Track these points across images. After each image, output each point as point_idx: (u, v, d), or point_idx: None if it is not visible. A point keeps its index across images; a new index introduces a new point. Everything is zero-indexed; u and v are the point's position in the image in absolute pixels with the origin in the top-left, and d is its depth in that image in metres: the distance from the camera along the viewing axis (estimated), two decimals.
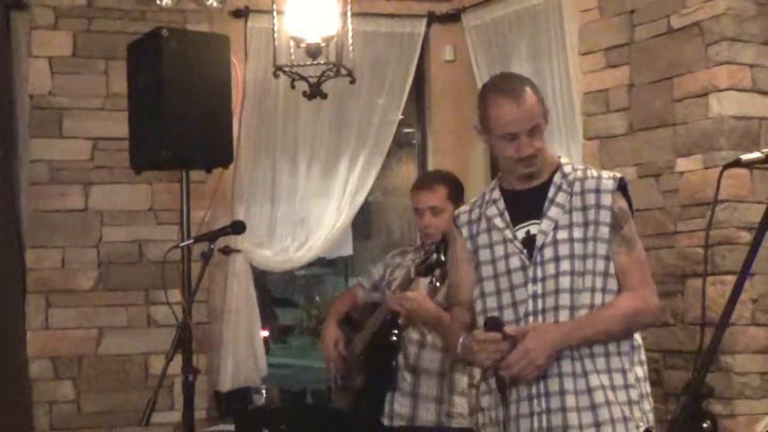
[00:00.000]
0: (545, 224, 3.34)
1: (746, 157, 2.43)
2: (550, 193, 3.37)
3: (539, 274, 3.31)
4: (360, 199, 6.38)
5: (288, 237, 6.26)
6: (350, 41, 5.23)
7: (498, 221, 3.43)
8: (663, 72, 5.01)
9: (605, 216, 3.30)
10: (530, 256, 3.33)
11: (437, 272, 4.16)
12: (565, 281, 3.28)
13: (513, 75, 3.71)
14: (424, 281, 4.27)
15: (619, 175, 3.41)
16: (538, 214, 3.36)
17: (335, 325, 4.72)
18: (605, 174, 3.40)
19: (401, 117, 6.52)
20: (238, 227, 4.61)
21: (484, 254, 3.44)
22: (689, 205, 4.92)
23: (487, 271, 3.42)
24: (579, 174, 3.40)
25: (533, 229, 3.36)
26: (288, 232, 6.26)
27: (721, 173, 2.43)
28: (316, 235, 6.29)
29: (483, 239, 3.45)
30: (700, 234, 4.80)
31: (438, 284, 4.20)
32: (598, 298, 3.27)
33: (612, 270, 3.29)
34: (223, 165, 5.30)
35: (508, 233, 3.40)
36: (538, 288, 3.30)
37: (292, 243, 6.27)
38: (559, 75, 5.75)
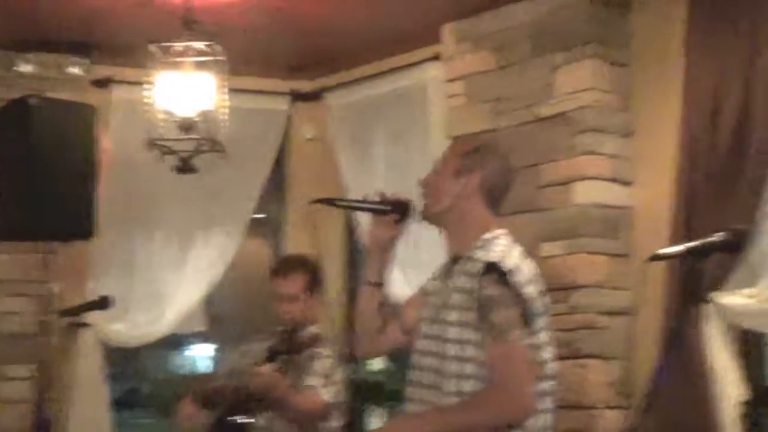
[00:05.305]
0: (439, 299, 3.36)
1: (668, 250, 2.51)
2: (456, 267, 3.35)
3: (426, 348, 3.36)
4: (216, 274, 6.33)
5: (142, 311, 6.14)
6: (224, 116, 5.22)
7: (434, 285, 3.48)
8: (529, 159, 5.13)
9: (471, 302, 3.22)
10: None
11: (283, 358, 4.17)
12: (438, 363, 3.29)
13: None
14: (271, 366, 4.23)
15: (494, 260, 3.24)
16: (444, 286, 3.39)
17: (191, 402, 4.58)
18: (485, 257, 3.27)
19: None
20: (106, 302, 4.50)
21: (422, 311, 3.47)
22: (552, 289, 4.98)
23: (420, 327, 3.45)
24: (477, 253, 3.30)
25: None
26: (142, 306, 6.14)
27: (646, 265, 2.49)
28: (170, 310, 6.20)
29: (426, 297, 3.49)
30: (563, 318, 4.92)
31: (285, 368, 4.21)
32: (467, 385, 3.22)
33: (483, 358, 3.20)
34: (86, 237, 5.18)
35: (427, 299, 3.45)
36: (428, 362, 3.34)
37: (146, 317, 6.15)
38: (422, 159, 5.83)
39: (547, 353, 3.32)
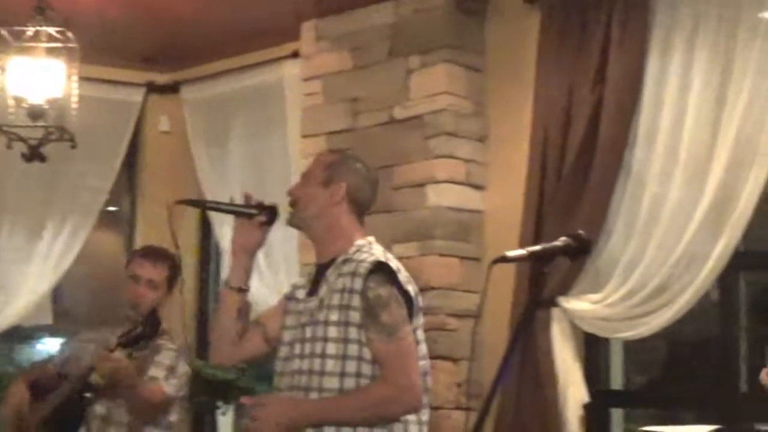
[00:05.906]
0: (313, 303, 3.39)
1: (511, 253, 2.54)
2: (328, 272, 3.40)
3: (299, 351, 3.37)
4: (64, 266, 6.20)
5: None
6: (74, 105, 5.10)
7: (299, 292, 3.50)
8: (384, 160, 5.13)
9: (355, 300, 3.29)
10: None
11: (140, 345, 4.10)
12: (316, 363, 3.32)
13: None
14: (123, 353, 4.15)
15: (381, 260, 3.35)
16: (316, 290, 3.42)
17: (24, 386, 4.48)
18: (370, 258, 3.35)
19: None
20: None
21: (285, 319, 3.49)
22: None
23: (283, 336, 3.47)
24: (354, 255, 3.38)
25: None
26: None
27: (490, 268, 2.52)
28: (15, 302, 6.05)
29: (290, 304, 3.51)
30: None
31: (136, 356, 4.13)
32: (349, 383, 3.28)
33: (367, 356, 3.28)
34: None
35: (293, 306, 3.49)
36: (298, 365, 3.36)
37: None
38: (279, 156, 5.82)
39: (423, 350, 3.41)
